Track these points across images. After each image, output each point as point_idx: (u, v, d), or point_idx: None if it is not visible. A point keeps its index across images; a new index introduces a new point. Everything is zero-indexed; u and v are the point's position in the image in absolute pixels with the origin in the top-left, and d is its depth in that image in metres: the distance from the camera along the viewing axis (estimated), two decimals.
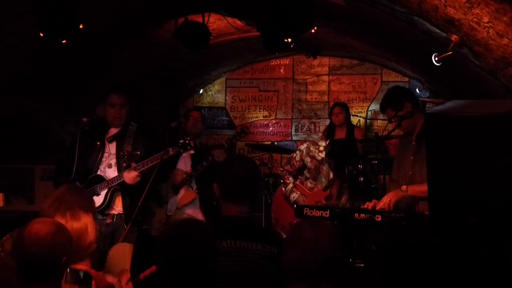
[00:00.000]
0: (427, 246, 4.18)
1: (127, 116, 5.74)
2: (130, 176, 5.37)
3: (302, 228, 3.09)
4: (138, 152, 5.64)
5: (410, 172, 5.08)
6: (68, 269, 3.26)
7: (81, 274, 3.26)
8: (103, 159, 5.64)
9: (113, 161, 5.65)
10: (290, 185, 6.56)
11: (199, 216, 6.38)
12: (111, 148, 5.69)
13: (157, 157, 5.31)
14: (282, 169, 6.81)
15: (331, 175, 6.49)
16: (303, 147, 6.73)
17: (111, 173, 5.61)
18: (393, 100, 5.14)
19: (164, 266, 2.88)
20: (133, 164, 5.41)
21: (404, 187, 4.95)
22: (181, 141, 5.40)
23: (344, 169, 6.42)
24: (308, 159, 6.58)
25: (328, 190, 6.47)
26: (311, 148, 6.63)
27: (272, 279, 3.44)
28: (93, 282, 3.26)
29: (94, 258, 3.66)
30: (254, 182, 3.73)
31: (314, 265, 2.90)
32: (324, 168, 6.51)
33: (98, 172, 5.60)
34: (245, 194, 3.60)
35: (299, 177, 6.66)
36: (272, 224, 7.08)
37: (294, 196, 6.48)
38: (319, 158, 6.53)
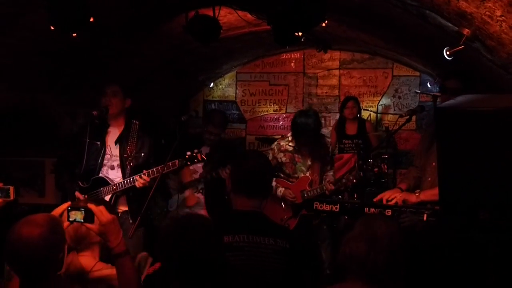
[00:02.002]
0: (442, 243, 4.18)
1: (121, 107, 5.64)
2: (141, 181, 5.31)
3: (374, 222, 3.05)
4: (142, 154, 5.62)
5: (434, 163, 5.05)
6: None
7: (83, 210, 3.20)
8: (105, 161, 5.60)
9: (116, 163, 5.60)
10: (274, 183, 6.49)
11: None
12: (114, 149, 5.62)
13: (163, 167, 5.26)
14: None
15: (309, 162, 6.46)
16: (273, 145, 6.71)
17: (114, 174, 5.58)
18: (467, 77, 5.07)
19: (167, 262, 2.87)
20: (145, 171, 5.34)
21: (417, 191, 4.93)
22: (188, 153, 5.31)
23: (311, 142, 6.44)
24: (281, 155, 6.54)
25: (309, 176, 6.44)
26: (282, 143, 6.61)
27: (284, 274, 3.45)
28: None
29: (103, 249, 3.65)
30: (267, 177, 3.75)
31: (384, 263, 2.87)
32: (300, 156, 6.48)
33: (100, 174, 5.55)
34: (258, 188, 3.61)
35: (281, 175, 6.59)
36: None
37: (281, 190, 6.43)
38: (290, 148, 6.51)
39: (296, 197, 6.39)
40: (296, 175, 6.50)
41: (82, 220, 3.20)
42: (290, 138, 6.57)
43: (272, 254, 3.43)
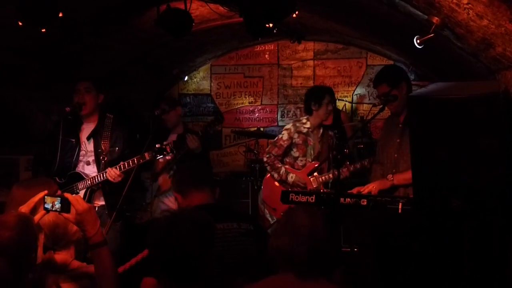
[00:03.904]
0: (416, 231, 4.22)
1: (94, 104, 5.70)
2: (113, 174, 5.36)
3: (296, 215, 3.05)
4: (117, 148, 5.66)
5: (395, 155, 5.10)
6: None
7: (59, 199, 3.16)
8: (80, 157, 5.63)
9: (91, 158, 5.65)
10: (283, 169, 6.54)
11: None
12: (88, 145, 5.66)
13: (134, 160, 5.33)
14: (268, 155, 6.73)
15: (318, 147, 6.51)
16: (289, 126, 6.75)
17: (90, 170, 5.63)
18: (391, 77, 5.14)
19: (155, 254, 2.88)
20: (115, 170, 5.41)
21: (390, 176, 4.98)
22: (157, 145, 5.39)
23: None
24: (296, 135, 6.59)
25: (311, 159, 6.49)
26: (297, 124, 6.68)
27: (252, 253, 3.53)
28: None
29: (80, 247, 3.63)
30: (208, 167, 3.86)
31: (306, 255, 2.87)
32: (311, 139, 6.52)
33: (77, 170, 5.59)
34: (204, 178, 3.79)
35: (286, 160, 6.64)
36: (267, 213, 7.06)
37: (292, 176, 6.46)
38: (304, 130, 6.57)
39: (307, 183, 6.45)
40: (305, 158, 6.55)
41: (59, 210, 3.16)
42: (304, 121, 6.64)
43: (238, 237, 3.58)
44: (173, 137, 6.53)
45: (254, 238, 3.61)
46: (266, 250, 3.67)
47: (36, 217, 3.16)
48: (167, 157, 5.38)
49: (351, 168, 6.34)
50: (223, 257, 3.48)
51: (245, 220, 3.69)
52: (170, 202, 6.48)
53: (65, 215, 3.17)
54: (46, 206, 3.18)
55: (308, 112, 6.64)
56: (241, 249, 3.54)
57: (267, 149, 6.92)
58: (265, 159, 6.77)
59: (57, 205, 3.15)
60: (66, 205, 3.15)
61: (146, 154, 5.33)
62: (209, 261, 2.91)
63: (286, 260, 2.91)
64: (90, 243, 3.18)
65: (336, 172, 6.29)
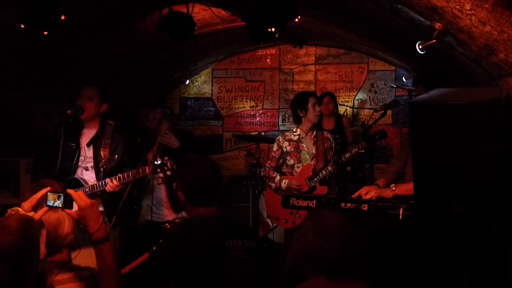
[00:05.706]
0: (416, 237, 4.20)
1: (95, 112, 5.67)
2: (113, 186, 5.36)
3: (323, 215, 3.04)
4: (116, 156, 5.65)
5: None
6: None
7: (62, 196, 3.14)
8: (79, 162, 5.62)
9: (90, 165, 5.63)
10: (278, 177, 6.52)
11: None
12: (88, 151, 5.65)
13: (133, 173, 5.29)
14: (264, 169, 6.76)
15: (313, 151, 6.48)
16: (278, 137, 6.80)
17: (88, 176, 5.61)
18: (428, 81, 5.11)
19: (168, 261, 2.86)
20: (114, 181, 5.40)
21: (392, 186, 4.95)
22: (159, 161, 5.35)
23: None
24: (286, 144, 6.59)
25: (312, 163, 6.46)
26: (287, 133, 6.72)
27: (255, 273, 3.46)
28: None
29: (73, 250, 3.61)
30: (220, 181, 3.70)
31: (338, 253, 2.86)
32: (304, 144, 6.50)
33: (76, 175, 5.57)
34: (214, 195, 3.58)
35: (284, 170, 6.62)
36: (268, 222, 7.04)
37: (285, 182, 6.44)
38: (295, 138, 6.57)
39: (301, 185, 6.39)
40: (301, 164, 6.53)
41: (61, 206, 3.15)
42: (294, 129, 6.66)
43: (242, 256, 3.45)
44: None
45: (257, 256, 3.51)
46: (268, 268, 3.63)
47: (38, 214, 3.15)
48: (168, 173, 5.33)
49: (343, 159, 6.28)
50: (228, 275, 3.42)
51: (248, 237, 3.55)
52: (161, 210, 6.45)
53: (68, 211, 3.17)
54: (48, 202, 3.17)
55: (297, 121, 6.64)
56: (245, 268, 3.44)
57: (263, 165, 6.96)
58: (262, 174, 6.87)
59: (60, 201, 3.15)
60: (68, 201, 3.14)
61: (147, 168, 5.31)
62: (218, 270, 2.88)
63: (316, 261, 2.88)
64: (92, 239, 3.16)
65: (329, 168, 6.31)
